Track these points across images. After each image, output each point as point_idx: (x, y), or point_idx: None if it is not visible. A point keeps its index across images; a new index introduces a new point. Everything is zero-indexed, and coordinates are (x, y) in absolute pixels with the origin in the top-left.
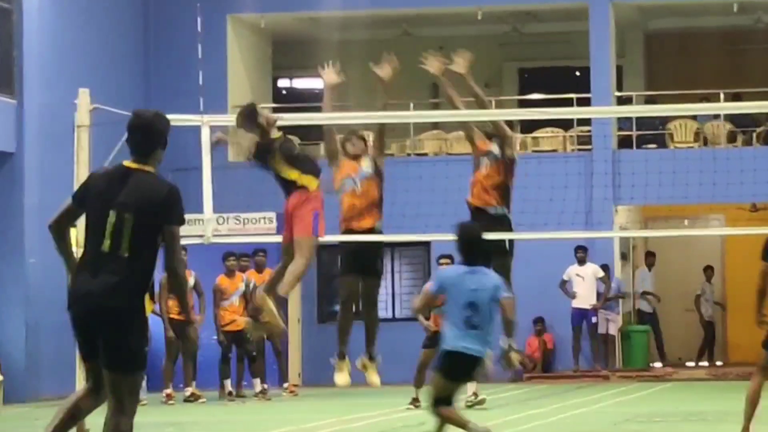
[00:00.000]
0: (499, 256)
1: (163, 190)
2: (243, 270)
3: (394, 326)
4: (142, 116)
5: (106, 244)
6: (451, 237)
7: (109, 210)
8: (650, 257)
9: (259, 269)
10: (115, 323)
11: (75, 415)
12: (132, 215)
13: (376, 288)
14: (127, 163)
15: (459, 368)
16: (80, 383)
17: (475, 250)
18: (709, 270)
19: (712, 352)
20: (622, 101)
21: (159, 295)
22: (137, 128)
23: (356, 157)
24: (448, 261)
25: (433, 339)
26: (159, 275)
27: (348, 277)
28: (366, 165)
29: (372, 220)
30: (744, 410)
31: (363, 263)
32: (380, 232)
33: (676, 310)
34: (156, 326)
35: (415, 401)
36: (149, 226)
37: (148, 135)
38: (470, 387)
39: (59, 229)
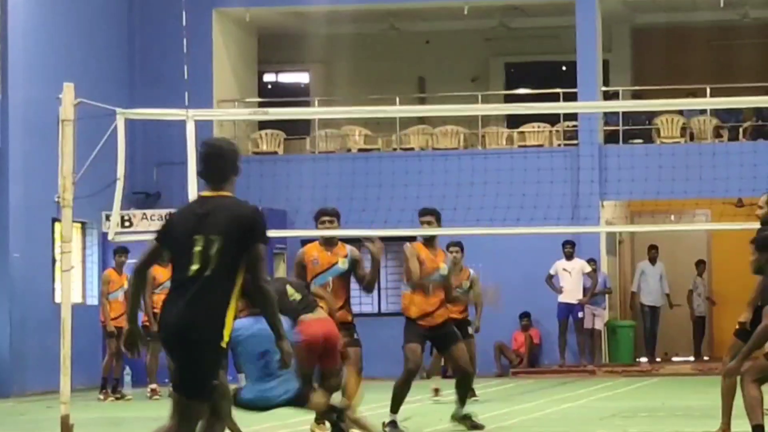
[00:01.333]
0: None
1: (247, 210)
2: None
3: (380, 321)
4: (214, 145)
5: (193, 269)
6: (439, 231)
7: (194, 236)
8: (652, 250)
9: None
10: (199, 350)
11: None
12: (219, 237)
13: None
14: (204, 193)
15: None
16: (65, 379)
17: None
18: (701, 264)
19: (700, 347)
20: (609, 96)
21: (144, 289)
22: (211, 157)
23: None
24: (457, 249)
25: None
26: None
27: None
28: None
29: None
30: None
31: None
32: None
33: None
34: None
35: (436, 391)
36: (236, 247)
37: (221, 163)
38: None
39: (142, 273)
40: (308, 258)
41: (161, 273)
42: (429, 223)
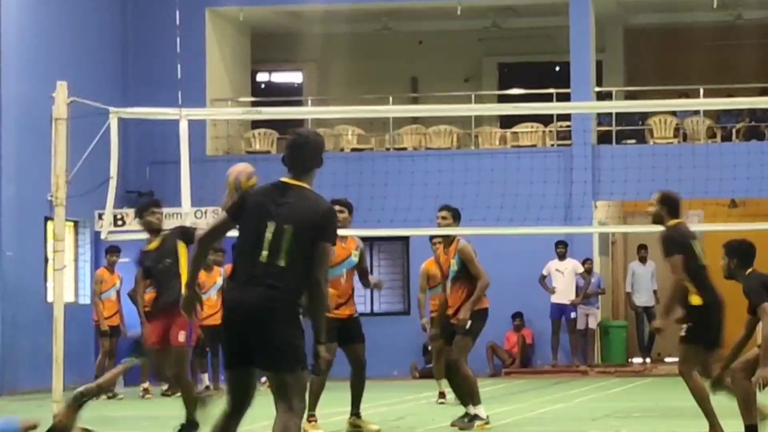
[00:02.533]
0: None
1: (323, 207)
2: (219, 264)
3: (373, 320)
4: (303, 135)
5: (264, 254)
6: (431, 231)
7: (268, 221)
8: (642, 250)
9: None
10: (275, 326)
11: None
12: (292, 227)
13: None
14: (285, 179)
15: None
16: (57, 378)
17: None
18: None
19: None
20: (602, 96)
21: (135, 289)
22: (298, 146)
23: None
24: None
25: (443, 328)
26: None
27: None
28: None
29: None
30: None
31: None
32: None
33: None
34: (133, 320)
35: (441, 395)
36: (306, 239)
37: (307, 153)
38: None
39: (208, 243)
40: None
41: (206, 279)
42: (444, 218)
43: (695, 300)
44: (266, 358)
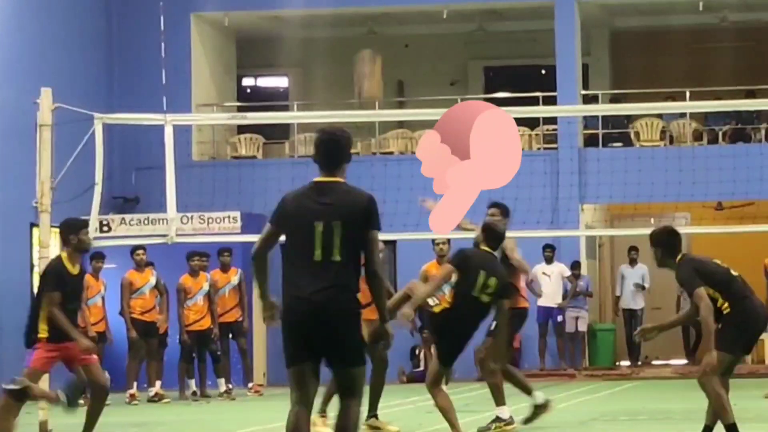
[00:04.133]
0: None
1: (364, 197)
2: (204, 270)
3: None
4: (333, 133)
5: (318, 252)
6: (418, 236)
7: (315, 221)
8: (632, 252)
9: (224, 269)
10: (346, 323)
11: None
12: (340, 222)
13: None
14: (318, 179)
15: None
16: (43, 384)
17: None
18: None
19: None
20: (588, 100)
21: (121, 295)
22: (328, 143)
23: None
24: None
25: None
26: (121, 275)
27: None
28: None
29: None
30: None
31: None
32: None
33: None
34: (119, 326)
35: None
36: (355, 232)
37: (337, 151)
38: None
39: (264, 257)
40: None
41: (138, 278)
42: (492, 215)
43: (725, 308)
44: (337, 355)
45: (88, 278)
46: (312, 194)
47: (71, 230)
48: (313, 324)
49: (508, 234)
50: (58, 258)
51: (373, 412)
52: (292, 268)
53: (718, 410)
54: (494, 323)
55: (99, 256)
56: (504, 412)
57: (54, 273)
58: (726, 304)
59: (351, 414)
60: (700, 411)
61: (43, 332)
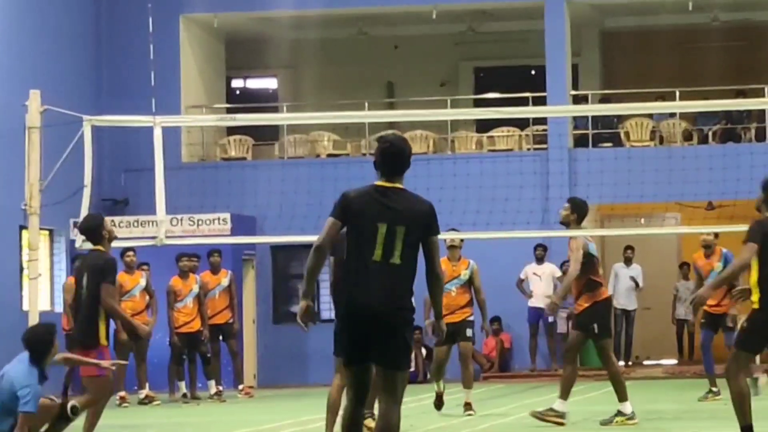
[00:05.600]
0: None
1: (425, 204)
2: (194, 271)
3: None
4: (393, 142)
5: (378, 253)
6: None
7: (378, 223)
8: (628, 251)
9: (214, 271)
10: (398, 326)
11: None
12: (403, 227)
13: None
14: (379, 183)
15: None
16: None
17: None
18: (684, 266)
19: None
20: (578, 100)
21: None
22: (393, 153)
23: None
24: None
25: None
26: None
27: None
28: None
29: None
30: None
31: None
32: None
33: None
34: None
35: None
36: (416, 237)
37: (400, 158)
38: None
39: (327, 250)
40: None
41: (127, 280)
42: (564, 209)
43: (754, 301)
44: (387, 357)
45: (72, 280)
46: (376, 196)
47: (99, 226)
48: (371, 324)
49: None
50: (104, 252)
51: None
52: (349, 267)
53: (735, 410)
54: (595, 325)
55: (77, 258)
56: (627, 407)
57: (113, 267)
58: (757, 296)
59: (392, 416)
60: (691, 411)
61: (103, 339)
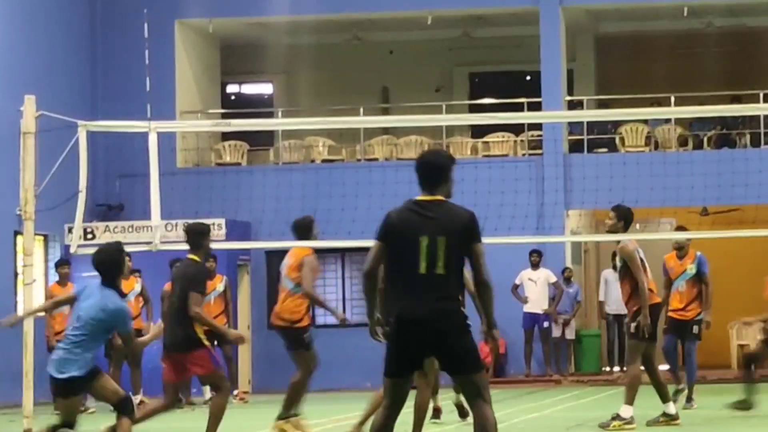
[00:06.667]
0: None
1: (466, 214)
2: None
3: (345, 332)
4: (432, 155)
5: (423, 266)
6: None
7: (420, 236)
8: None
9: (210, 276)
10: (457, 334)
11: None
12: (444, 238)
13: None
14: (419, 198)
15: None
16: (28, 393)
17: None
18: None
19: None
20: (573, 105)
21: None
22: (429, 165)
23: None
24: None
25: None
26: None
27: None
28: None
29: None
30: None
31: None
32: None
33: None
34: None
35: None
36: (458, 246)
37: (438, 172)
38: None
39: (376, 275)
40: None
41: (123, 285)
42: (609, 219)
43: None
44: (453, 365)
45: (53, 288)
46: (416, 209)
47: (203, 235)
48: (423, 336)
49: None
50: (196, 261)
51: (289, 413)
52: (396, 282)
53: None
54: (633, 324)
55: (64, 262)
56: (671, 407)
57: (205, 276)
58: None
59: (487, 415)
60: (685, 416)
61: (204, 340)
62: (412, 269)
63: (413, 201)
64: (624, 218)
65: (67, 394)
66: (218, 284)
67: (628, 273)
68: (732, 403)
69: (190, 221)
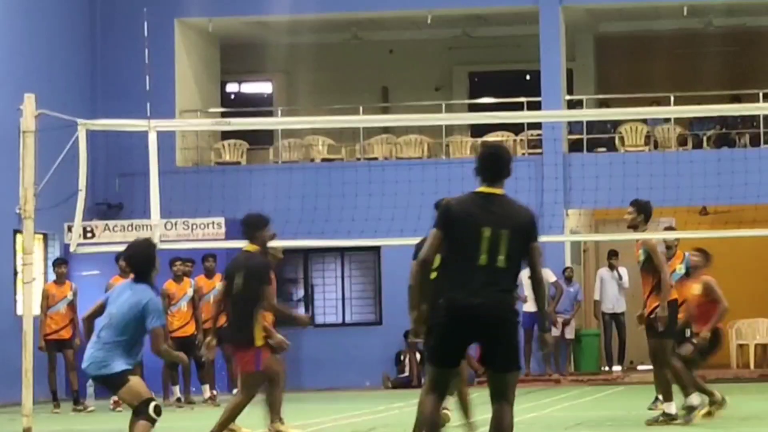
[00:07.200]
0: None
1: (528, 210)
2: (188, 275)
3: (344, 331)
4: (495, 148)
5: (483, 258)
6: (402, 241)
7: (482, 227)
8: (612, 257)
9: (209, 275)
10: (508, 329)
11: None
12: (508, 231)
13: None
14: (480, 189)
15: None
16: (27, 391)
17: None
18: None
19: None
20: (573, 105)
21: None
22: (492, 158)
23: None
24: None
25: None
26: (104, 282)
27: None
28: None
29: None
30: None
31: None
32: None
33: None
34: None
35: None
36: (519, 241)
37: (501, 165)
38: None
39: (432, 263)
40: None
41: (176, 290)
42: (629, 213)
43: None
44: (497, 359)
45: (49, 287)
46: (478, 201)
47: (260, 226)
48: (477, 326)
49: None
50: (258, 254)
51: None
52: (453, 272)
53: None
54: (660, 324)
55: (61, 261)
56: (671, 407)
57: (269, 267)
58: None
59: (505, 417)
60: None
61: (260, 339)
62: (472, 260)
63: (474, 192)
64: (643, 211)
65: (115, 387)
66: (218, 283)
67: (651, 268)
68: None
69: (182, 220)
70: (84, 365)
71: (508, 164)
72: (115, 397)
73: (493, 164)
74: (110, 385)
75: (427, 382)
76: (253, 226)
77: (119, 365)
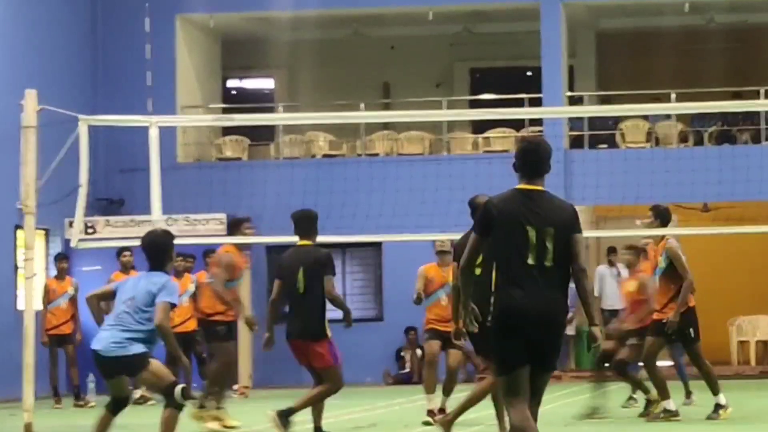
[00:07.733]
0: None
1: (569, 205)
2: (190, 271)
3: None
4: (535, 144)
5: (531, 257)
6: (403, 237)
7: (527, 226)
8: (612, 253)
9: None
10: (558, 328)
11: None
12: (552, 229)
13: None
14: (521, 186)
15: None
16: (28, 387)
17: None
18: None
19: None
20: (574, 101)
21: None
22: (533, 154)
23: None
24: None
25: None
26: (106, 278)
27: None
28: None
29: None
30: None
31: None
32: None
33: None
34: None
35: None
36: (564, 238)
37: (541, 161)
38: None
39: (473, 269)
40: None
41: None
42: (647, 218)
43: None
44: (544, 358)
45: (50, 282)
46: (521, 199)
47: (312, 220)
48: (533, 327)
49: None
50: (317, 247)
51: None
52: (504, 273)
53: None
54: (691, 329)
55: (62, 257)
56: (670, 404)
57: (331, 258)
58: None
59: (534, 417)
60: (684, 411)
61: (328, 329)
62: (521, 260)
63: (515, 189)
64: (661, 216)
65: (135, 369)
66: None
67: (673, 274)
68: (582, 414)
69: (183, 216)
70: (98, 346)
71: (548, 159)
72: (140, 391)
73: (534, 160)
74: (129, 367)
75: (505, 395)
76: (306, 221)
77: (139, 348)
